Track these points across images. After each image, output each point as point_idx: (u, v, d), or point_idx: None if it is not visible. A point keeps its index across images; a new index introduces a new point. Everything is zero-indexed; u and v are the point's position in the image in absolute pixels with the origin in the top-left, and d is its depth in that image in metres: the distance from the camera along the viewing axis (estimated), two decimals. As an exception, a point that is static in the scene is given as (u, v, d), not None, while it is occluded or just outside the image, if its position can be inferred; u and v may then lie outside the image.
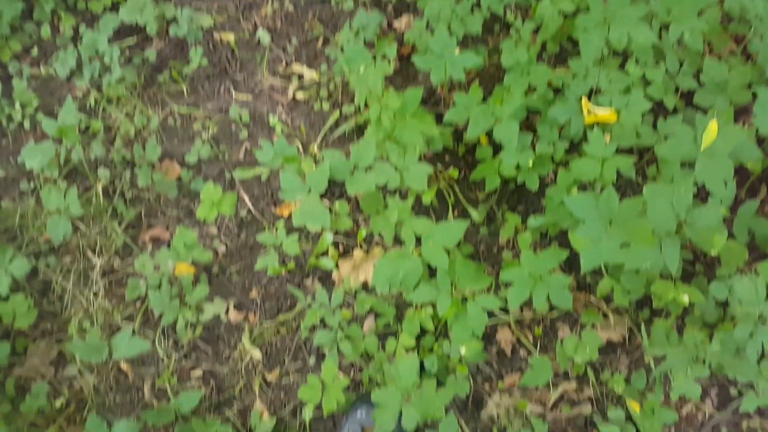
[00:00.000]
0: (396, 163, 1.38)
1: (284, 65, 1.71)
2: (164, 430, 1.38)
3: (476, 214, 1.51)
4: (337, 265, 1.47)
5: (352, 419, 1.32)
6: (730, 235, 1.31)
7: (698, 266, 1.46)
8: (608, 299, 1.43)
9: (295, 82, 1.68)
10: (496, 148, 1.48)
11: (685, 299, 1.28)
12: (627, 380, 1.39)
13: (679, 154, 1.25)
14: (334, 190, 1.55)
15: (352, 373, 1.42)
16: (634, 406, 1.34)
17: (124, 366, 1.41)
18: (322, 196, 1.36)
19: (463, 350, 1.36)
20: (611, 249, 1.15)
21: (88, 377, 1.41)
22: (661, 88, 1.42)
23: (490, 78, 1.65)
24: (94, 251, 1.50)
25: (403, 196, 1.48)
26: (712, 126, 1.19)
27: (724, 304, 1.34)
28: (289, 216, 1.51)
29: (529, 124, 1.53)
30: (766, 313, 1.18)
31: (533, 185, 1.42)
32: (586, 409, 1.39)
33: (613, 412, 1.35)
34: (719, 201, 1.23)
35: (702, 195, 1.42)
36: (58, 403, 1.38)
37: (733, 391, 1.39)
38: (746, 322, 1.19)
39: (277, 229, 1.46)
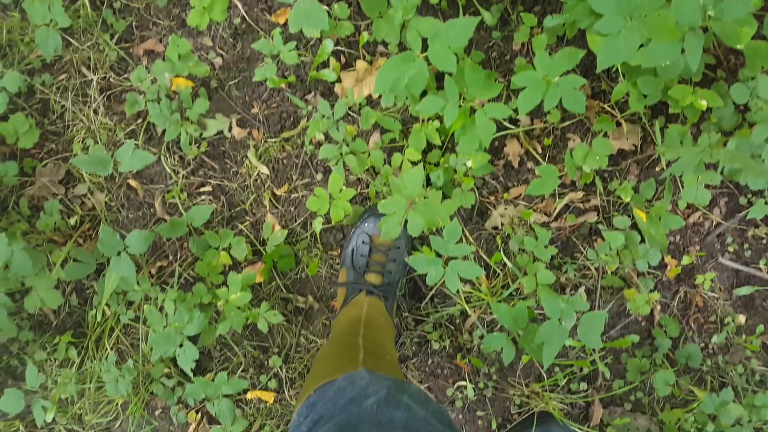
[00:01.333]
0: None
1: None
2: (178, 242, 1.43)
3: (489, 16, 1.40)
4: (339, 78, 1.41)
5: (360, 229, 1.34)
6: (759, 36, 1.22)
7: (720, 72, 1.38)
8: (622, 108, 1.37)
9: None
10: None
11: (703, 103, 1.23)
12: (635, 189, 1.38)
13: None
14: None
15: (359, 188, 1.42)
16: (640, 214, 1.35)
17: (133, 183, 1.43)
18: (321, -2, 1.26)
19: (469, 163, 1.35)
20: (631, 45, 1.07)
21: (98, 195, 1.43)
22: None
23: None
24: (88, 67, 1.44)
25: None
26: None
27: (743, 111, 1.29)
28: (286, 23, 1.41)
29: None
30: (788, 113, 1.13)
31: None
32: (592, 217, 1.41)
33: (619, 220, 1.37)
34: (751, -9, 1.12)
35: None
36: (72, 220, 1.42)
37: (742, 201, 1.38)
38: (765, 123, 1.15)
39: (273, 38, 1.38)
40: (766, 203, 1.31)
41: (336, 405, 0.88)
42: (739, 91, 1.20)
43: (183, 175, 1.43)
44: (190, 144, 1.41)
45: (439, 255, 1.20)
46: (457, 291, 1.39)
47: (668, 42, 1.07)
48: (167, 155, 1.43)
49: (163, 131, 1.40)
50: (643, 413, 1.37)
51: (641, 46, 1.09)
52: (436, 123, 1.37)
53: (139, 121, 1.43)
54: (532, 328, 1.21)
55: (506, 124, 1.38)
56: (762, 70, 1.24)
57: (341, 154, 1.38)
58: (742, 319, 1.39)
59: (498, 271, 1.40)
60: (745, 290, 1.38)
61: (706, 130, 1.32)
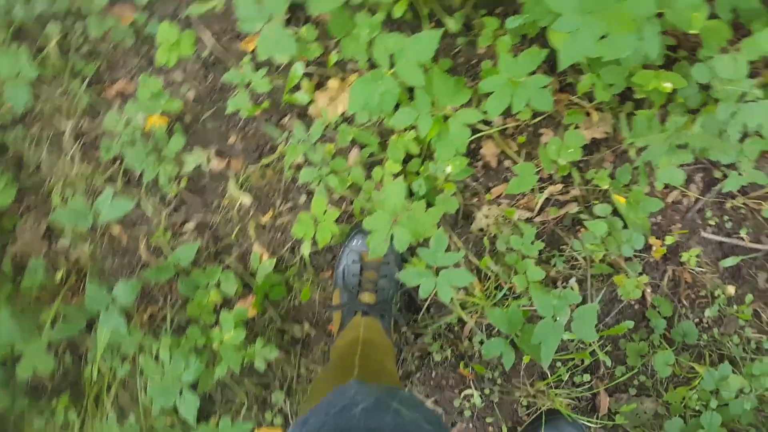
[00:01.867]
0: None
1: None
2: (167, 285, 1.43)
3: (452, 23, 1.43)
4: (313, 99, 1.43)
5: (348, 248, 1.35)
6: (713, 16, 1.25)
7: (681, 52, 1.41)
8: (590, 98, 1.40)
9: None
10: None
11: (667, 86, 1.25)
12: (612, 176, 1.41)
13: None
14: (299, 15, 1.45)
15: (343, 205, 1.43)
16: (619, 200, 1.37)
17: (116, 230, 1.42)
18: (286, 23, 1.27)
19: (449, 168, 1.36)
20: (590, 40, 1.10)
21: (82, 246, 1.43)
22: None
23: None
24: (61, 115, 1.44)
25: (373, 11, 1.38)
26: None
27: (707, 88, 1.32)
28: (255, 50, 1.43)
29: None
30: (747, 90, 1.16)
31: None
32: (573, 208, 1.43)
33: (600, 208, 1.39)
34: (701, -23, 1.16)
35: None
36: (57, 276, 1.41)
37: (717, 174, 1.41)
38: (728, 101, 1.18)
39: (243, 66, 1.39)
40: (739, 174, 1.34)
41: (327, 415, 0.88)
42: (701, 71, 1.23)
43: (165, 215, 1.43)
44: (170, 182, 1.41)
45: (429, 266, 1.21)
46: (451, 299, 1.40)
47: (626, 34, 1.09)
48: (147, 196, 1.43)
49: (142, 172, 1.41)
50: (648, 396, 1.39)
51: (603, 37, 1.11)
52: (413, 133, 1.39)
53: (117, 164, 1.43)
54: (528, 329, 1.22)
55: (480, 126, 1.41)
56: (719, 48, 1.27)
57: (322, 175, 1.39)
58: (731, 289, 1.42)
59: (489, 273, 1.42)
60: (730, 261, 1.41)
61: (673, 111, 1.35)
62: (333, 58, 1.41)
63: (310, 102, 1.43)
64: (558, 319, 1.15)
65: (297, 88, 1.42)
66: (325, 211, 1.33)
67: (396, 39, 1.24)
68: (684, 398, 1.32)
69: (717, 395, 1.27)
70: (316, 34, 1.38)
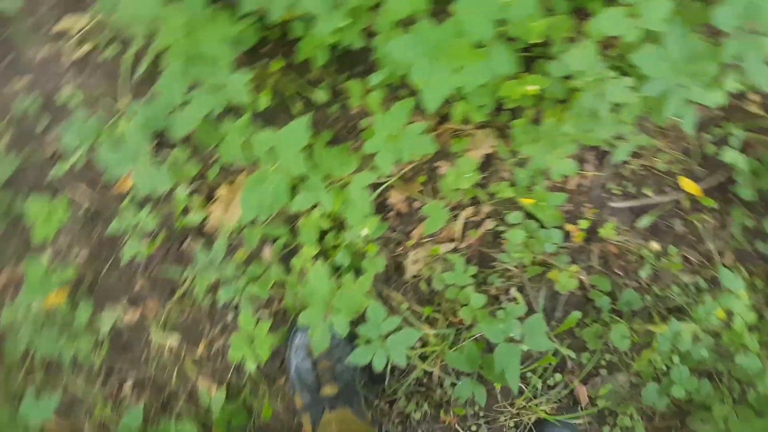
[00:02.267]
0: (210, 82, 1.25)
1: (51, 25, 1.46)
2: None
3: (320, 94, 1.43)
4: (207, 215, 1.39)
5: (293, 347, 1.32)
6: (550, 13, 1.31)
7: (535, 50, 1.47)
8: (468, 121, 1.44)
9: (71, 41, 1.45)
10: (310, 20, 1.37)
11: (533, 88, 1.31)
12: (512, 183, 1.45)
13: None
14: (165, 139, 1.41)
15: (274, 305, 1.40)
16: (527, 202, 1.42)
17: (52, 426, 1.33)
18: (156, 150, 1.24)
19: (364, 231, 1.37)
20: (447, 79, 1.13)
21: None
22: None
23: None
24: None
25: (238, 112, 1.37)
26: None
27: (570, 77, 1.38)
28: (132, 188, 1.38)
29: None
30: (602, 71, 1.23)
31: (358, 42, 1.35)
32: (490, 225, 1.46)
33: (512, 216, 1.43)
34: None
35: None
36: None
37: (606, 147, 1.48)
38: (589, 88, 1.24)
39: (125, 211, 1.34)
40: (624, 142, 1.42)
41: None
42: (557, 67, 1.29)
43: (98, 388, 1.35)
44: (92, 353, 1.34)
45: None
46: (409, 359, 1.40)
47: (477, 62, 1.13)
48: (73, 375, 1.34)
49: (59, 355, 1.32)
50: (619, 371, 1.43)
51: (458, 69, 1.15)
52: (318, 210, 1.38)
53: (28, 360, 1.34)
54: (488, 359, 1.23)
55: (380, 180, 1.42)
56: (567, 39, 1.34)
57: (239, 288, 1.35)
58: (655, 245, 1.48)
59: (436, 316, 1.42)
60: (645, 220, 1.48)
61: (546, 109, 1.40)
62: (213, 171, 1.38)
63: (205, 218, 1.39)
64: (513, 336, 1.17)
65: (187, 210, 1.39)
66: (257, 322, 1.29)
67: (268, 136, 1.23)
68: (650, 361, 1.37)
69: (676, 350, 1.32)
70: (189, 152, 1.35)
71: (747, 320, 1.33)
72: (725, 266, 1.44)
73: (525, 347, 1.33)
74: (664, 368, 1.35)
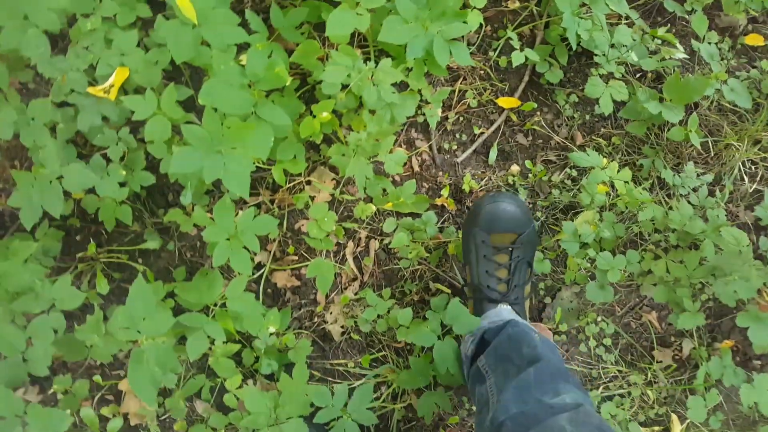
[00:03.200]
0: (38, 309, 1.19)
1: None
2: None
3: (152, 242, 1.40)
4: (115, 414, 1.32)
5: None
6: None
7: (310, 80, 1.49)
8: (292, 174, 1.44)
9: None
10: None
11: (326, 115, 1.32)
12: (367, 199, 1.46)
13: None
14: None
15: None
16: (389, 207, 1.43)
17: None
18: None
19: (271, 330, 1.34)
20: (239, 164, 1.12)
21: None
22: None
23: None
24: None
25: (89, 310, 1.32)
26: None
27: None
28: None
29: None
30: (361, 68, 1.25)
31: (149, 180, 1.32)
32: (375, 244, 1.46)
33: (387, 225, 1.44)
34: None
35: None
36: None
37: (420, 120, 1.51)
38: (365, 85, 1.26)
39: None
40: (430, 105, 1.46)
41: None
42: (327, 87, 1.31)
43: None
44: None
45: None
46: (376, 410, 1.38)
47: (253, 136, 1.13)
48: None
49: None
50: (559, 291, 1.46)
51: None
52: (217, 342, 1.34)
53: None
54: (434, 366, 1.24)
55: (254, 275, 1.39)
56: (317, 63, 1.36)
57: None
58: (515, 168, 1.52)
59: (380, 357, 1.42)
60: (493, 154, 1.52)
61: (349, 122, 1.42)
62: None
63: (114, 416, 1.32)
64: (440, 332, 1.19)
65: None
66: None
67: (124, 315, 1.17)
68: (578, 265, 1.40)
69: (584, 243, 1.36)
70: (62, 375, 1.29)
71: (625, 179, 1.39)
72: (578, 149, 1.50)
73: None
74: (589, 264, 1.38)
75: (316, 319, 1.45)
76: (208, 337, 1.20)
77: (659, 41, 1.51)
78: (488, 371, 1.14)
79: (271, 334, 1.34)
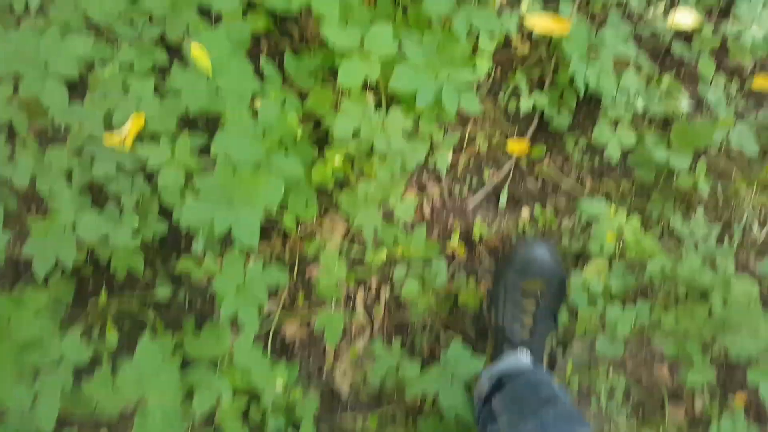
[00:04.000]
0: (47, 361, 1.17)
1: None
2: None
3: (163, 290, 1.37)
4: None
5: None
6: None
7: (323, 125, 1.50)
8: (304, 221, 1.43)
9: None
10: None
11: (338, 159, 1.32)
12: (380, 245, 1.45)
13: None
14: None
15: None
16: (400, 253, 1.41)
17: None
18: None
19: (279, 384, 1.31)
20: (250, 215, 1.11)
21: None
22: None
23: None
24: None
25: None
26: None
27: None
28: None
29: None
30: (371, 117, 1.26)
31: (161, 229, 1.31)
32: (386, 293, 1.45)
33: (396, 273, 1.42)
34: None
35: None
36: None
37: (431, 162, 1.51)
38: (375, 133, 1.26)
39: None
40: (441, 150, 1.46)
41: None
42: (339, 129, 1.31)
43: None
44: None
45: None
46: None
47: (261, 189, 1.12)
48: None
49: None
50: (570, 343, 1.43)
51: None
52: (224, 397, 1.31)
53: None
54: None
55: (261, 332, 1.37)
56: (330, 110, 1.36)
57: None
58: (525, 213, 1.52)
59: (395, 411, 1.39)
60: (503, 199, 1.51)
61: (361, 166, 1.41)
62: None
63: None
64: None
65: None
66: None
67: (131, 377, 1.15)
68: (589, 316, 1.37)
69: (591, 293, 1.34)
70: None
71: (634, 228, 1.38)
72: (588, 193, 1.50)
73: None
74: (599, 317, 1.36)
75: (325, 374, 1.42)
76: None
77: (665, 87, 1.52)
78: (501, 411, 1.13)
79: (279, 390, 1.31)
